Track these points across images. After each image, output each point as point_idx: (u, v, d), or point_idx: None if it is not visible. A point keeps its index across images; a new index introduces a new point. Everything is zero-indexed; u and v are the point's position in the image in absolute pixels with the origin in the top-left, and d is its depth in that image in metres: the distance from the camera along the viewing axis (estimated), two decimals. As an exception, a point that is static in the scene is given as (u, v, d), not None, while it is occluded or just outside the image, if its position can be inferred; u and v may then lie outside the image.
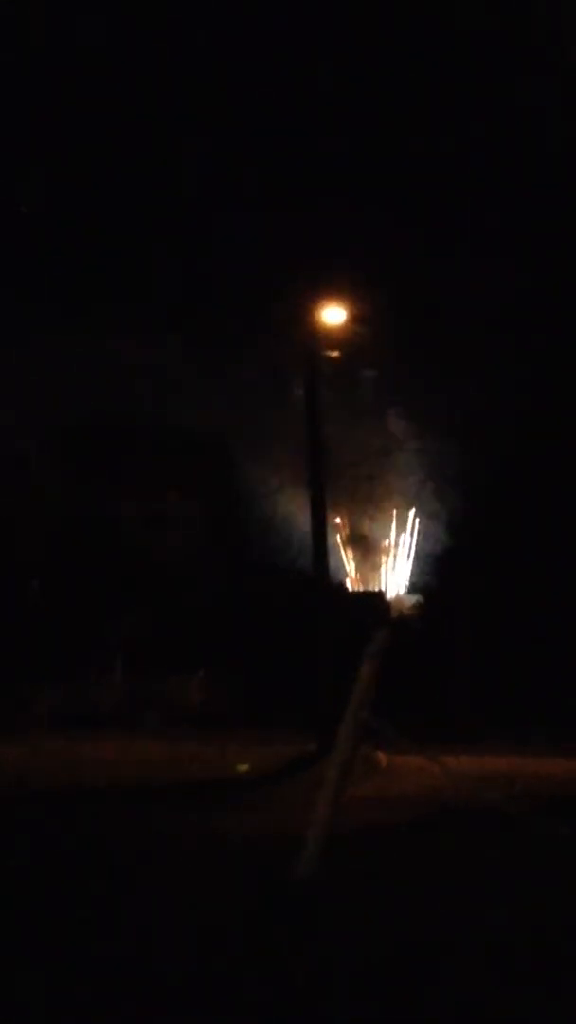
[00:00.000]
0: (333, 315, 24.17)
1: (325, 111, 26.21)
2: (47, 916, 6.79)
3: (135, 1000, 5.19)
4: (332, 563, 28.33)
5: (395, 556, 33.02)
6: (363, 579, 33.19)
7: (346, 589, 32.32)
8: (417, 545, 32.71)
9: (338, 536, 31.88)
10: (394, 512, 32.88)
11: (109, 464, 30.41)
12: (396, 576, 33.06)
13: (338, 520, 31.41)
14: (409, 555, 32.93)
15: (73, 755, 18.03)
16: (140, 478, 30.63)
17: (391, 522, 32.98)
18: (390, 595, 32.62)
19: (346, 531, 32.50)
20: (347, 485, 30.33)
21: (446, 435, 30.75)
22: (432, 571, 32.08)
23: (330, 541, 26.61)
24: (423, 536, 32.61)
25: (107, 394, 29.52)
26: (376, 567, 33.22)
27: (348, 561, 33.05)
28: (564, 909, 7.10)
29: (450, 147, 26.21)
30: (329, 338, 24.79)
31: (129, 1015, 5.03)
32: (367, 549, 33.12)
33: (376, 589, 32.90)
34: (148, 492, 30.72)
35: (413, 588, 32.67)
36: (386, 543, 32.95)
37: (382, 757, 15.75)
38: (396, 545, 32.95)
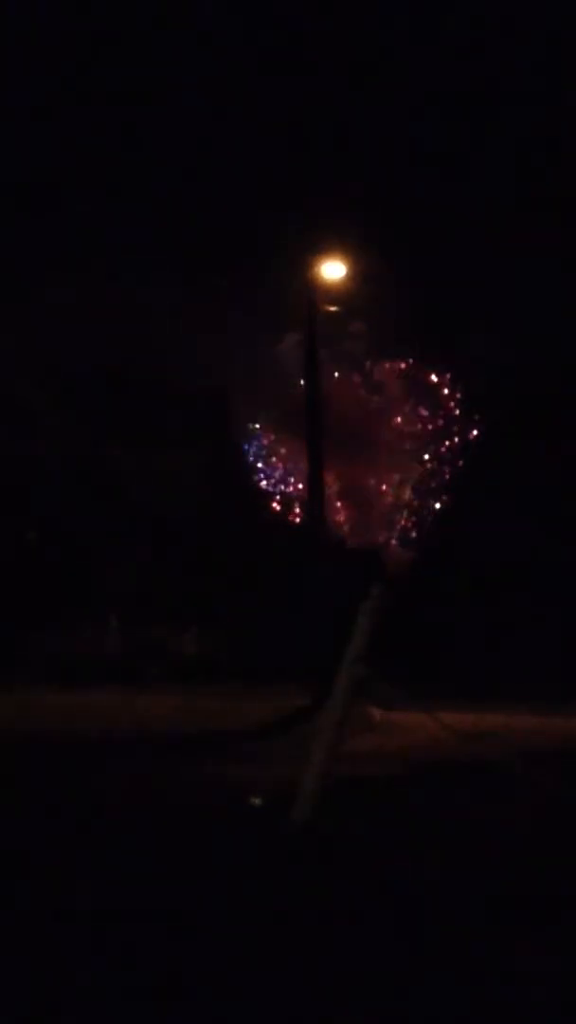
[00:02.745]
0: (333, 270, 24.09)
1: (329, 61, 26.05)
2: (51, 859, 6.85)
3: (135, 931, 5.28)
4: (330, 518, 28.39)
5: (392, 509, 33.05)
6: (359, 532, 33.22)
7: (344, 543, 32.33)
8: (414, 499, 32.73)
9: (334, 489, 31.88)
10: (391, 467, 32.91)
11: (110, 415, 30.38)
12: (393, 529, 33.08)
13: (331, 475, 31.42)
14: (406, 509, 32.95)
15: (68, 705, 18.10)
16: (140, 430, 30.59)
17: (388, 477, 33.01)
18: (387, 549, 32.65)
19: (336, 486, 32.48)
20: (344, 440, 30.31)
21: (442, 390, 30.77)
22: (429, 525, 32.13)
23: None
24: (420, 491, 32.66)
25: (108, 346, 29.51)
26: (372, 521, 33.24)
27: (342, 510, 33.05)
28: (556, 859, 7.16)
29: (455, 101, 26.09)
30: (328, 293, 24.71)
31: (131, 944, 5.15)
32: (363, 503, 33.14)
33: (373, 543, 32.93)
34: (148, 444, 30.68)
35: (410, 542, 32.70)
36: (384, 489, 32.94)
37: (376, 712, 15.80)
38: (394, 498, 32.98)
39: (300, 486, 30.26)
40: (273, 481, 33.22)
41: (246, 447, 33.02)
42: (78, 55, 26.22)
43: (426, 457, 32.58)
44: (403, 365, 32.50)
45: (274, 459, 33.09)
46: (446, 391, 32.38)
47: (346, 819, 8.01)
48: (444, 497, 31.86)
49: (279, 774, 9.70)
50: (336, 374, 31.46)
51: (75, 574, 28.99)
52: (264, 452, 33.21)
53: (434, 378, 32.35)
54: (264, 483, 33.18)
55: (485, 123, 26.58)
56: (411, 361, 32.36)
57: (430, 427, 32.51)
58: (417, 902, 6.12)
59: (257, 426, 32.92)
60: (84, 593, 28.66)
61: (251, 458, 33.21)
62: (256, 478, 33.18)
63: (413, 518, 32.79)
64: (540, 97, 25.98)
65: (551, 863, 7.11)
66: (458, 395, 32.14)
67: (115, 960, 5.09)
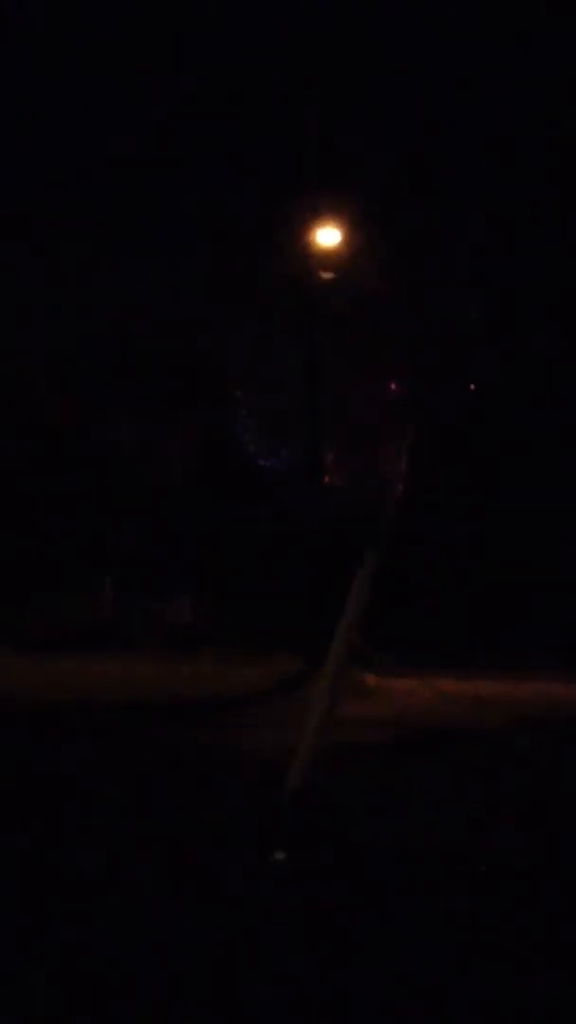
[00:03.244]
0: (328, 236, 23.98)
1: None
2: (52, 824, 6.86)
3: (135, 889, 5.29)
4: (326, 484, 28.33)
5: (389, 479, 32.98)
6: (356, 500, 33.14)
7: (340, 510, 32.24)
8: (410, 465, 32.65)
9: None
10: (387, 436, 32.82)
11: (105, 381, 30.31)
12: (390, 497, 33.00)
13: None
14: (402, 477, 32.87)
15: (63, 671, 18.12)
16: (135, 395, 30.53)
17: (383, 449, 32.91)
18: (383, 516, 32.58)
19: (331, 457, 32.37)
20: (341, 416, 30.22)
21: (439, 357, 30.66)
22: (426, 493, 32.07)
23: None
24: (417, 457, 32.57)
25: (103, 312, 29.43)
26: (369, 489, 33.16)
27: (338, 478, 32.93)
28: (548, 825, 7.16)
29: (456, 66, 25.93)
30: (324, 259, 24.57)
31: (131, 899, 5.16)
32: (360, 472, 33.06)
33: (368, 510, 32.85)
34: (143, 410, 30.62)
35: (407, 509, 32.59)
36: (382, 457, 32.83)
37: (371, 679, 15.80)
38: (391, 466, 32.90)
39: None
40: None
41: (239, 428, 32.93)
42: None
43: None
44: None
45: None
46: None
47: (340, 785, 8.01)
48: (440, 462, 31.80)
49: (273, 740, 9.69)
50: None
51: (69, 542, 28.96)
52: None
53: None
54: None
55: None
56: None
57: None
58: (410, 868, 6.12)
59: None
60: (78, 561, 28.63)
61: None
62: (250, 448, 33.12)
63: (410, 486, 32.73)
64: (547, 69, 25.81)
65: (544, 829, 7.11)
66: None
67: (100, 927, 5.07)
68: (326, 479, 27.91)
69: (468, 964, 4.70)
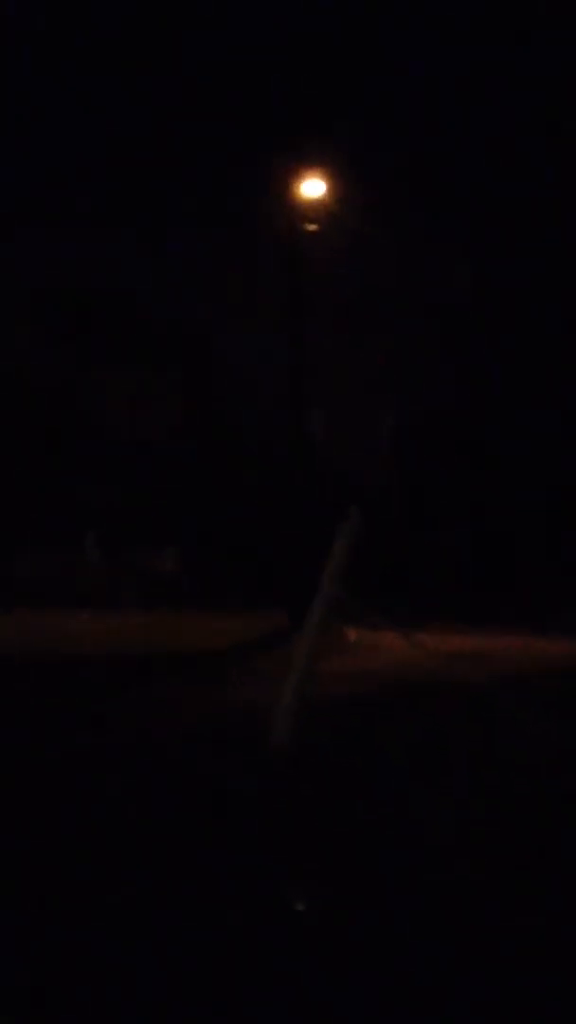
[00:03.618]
0: (313, 187, 23.80)
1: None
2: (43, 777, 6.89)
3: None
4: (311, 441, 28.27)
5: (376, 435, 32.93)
6: (341, 455, 33.11)
7: (325, 465, 32.21)
8: (396, 422, 32.61)
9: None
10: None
11: (88, 335, 30.18)
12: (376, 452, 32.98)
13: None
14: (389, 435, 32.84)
15: (47, 627, 18.13)
16: (118, 350, 30.41)
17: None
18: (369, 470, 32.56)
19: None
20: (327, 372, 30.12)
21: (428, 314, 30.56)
22: (411, 448, 32.07)
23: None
24: (402, 415, 32.54)
25: (86, 268, 29.28)
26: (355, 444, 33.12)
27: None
28: (529, 779, 7.22)
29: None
30: (309, 210, 24.39)
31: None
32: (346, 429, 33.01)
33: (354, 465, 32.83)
34: (126, 365, 30.51)
35: (392, 463, 32.58)
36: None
37: (353, 633, 15.86)
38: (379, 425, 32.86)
39: None
40: None
41: None
42: None
43: None
44: None
45: None
46: None
47: (322, 740, 8.05)
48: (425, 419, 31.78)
49: (256, 693, 9.73)
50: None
51: (51, 496, 28.92)
52: None
53: None
54: None
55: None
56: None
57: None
58: (390, 823, 6.17)
59: None
60: (60, 515, 28.60)
61: None
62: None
63: (396, 442, 32.71)
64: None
65: (523, 783, 7.16)
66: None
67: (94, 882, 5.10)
68: (312, 436, 27.88)
69: (451, 913, 4.75)
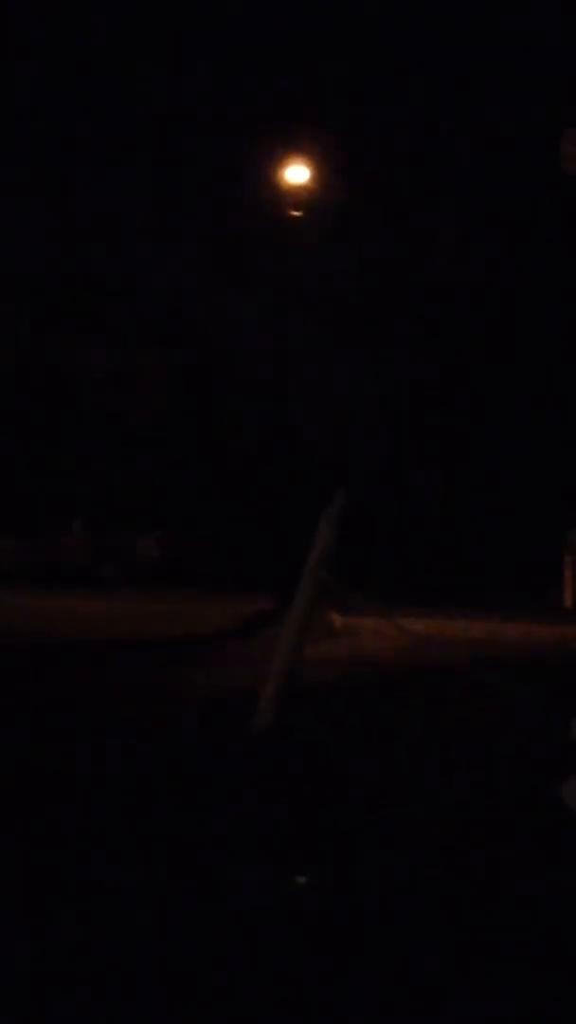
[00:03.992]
0: (297, 173, 23.79)
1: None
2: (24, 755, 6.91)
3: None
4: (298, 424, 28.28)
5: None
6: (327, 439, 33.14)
7: (311, 449, 32.26)
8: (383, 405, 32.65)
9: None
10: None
11: (75, 316, 30.11)
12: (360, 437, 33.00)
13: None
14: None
15: (33, 610, 18.13)
16: (106, 331, 30.34)
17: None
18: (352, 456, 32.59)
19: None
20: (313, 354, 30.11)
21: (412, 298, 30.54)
22: (398, 433, 32.12)
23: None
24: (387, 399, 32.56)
25: (76, 247, 29.23)
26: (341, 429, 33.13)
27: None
28: (513, 762, 7.27)
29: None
30: (293, 196, 24.39)
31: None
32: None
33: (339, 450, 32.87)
34: (114, 346, 30.46)
35: (376, 450, 32.62)
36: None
37: (338, 618, 15.92)
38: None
39: None
40: None
41: None
42: None
43: None
44: None
45: None
46: None
47: (307, 724, 8.09)
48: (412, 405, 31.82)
49: (241, 678, 9.76)
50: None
51: (37, 479, 28.90)
52: None
53: None
54: None
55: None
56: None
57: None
58: (373, 807, 6.20)
59: None
60: (46, 498, 28.59)
61: None
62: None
63: (383, 433, 32.76)
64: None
65: (504, 767, 7.22)
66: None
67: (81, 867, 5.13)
68: (298, 419, 27.91)
69: (437, 894, 4.79)
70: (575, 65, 24.33)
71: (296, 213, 24.60)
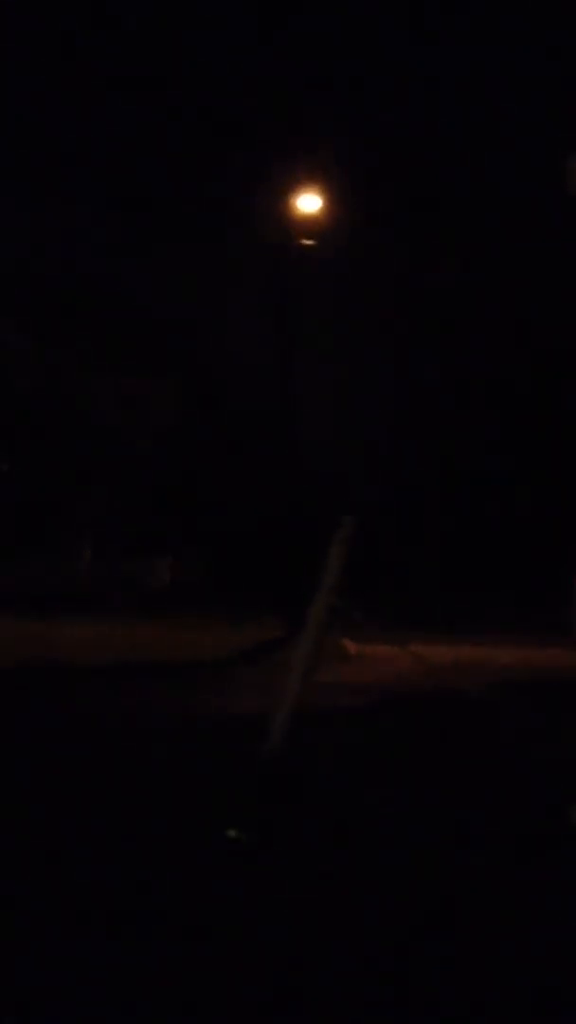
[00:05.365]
0: (308, 202, 23.83)
1: None
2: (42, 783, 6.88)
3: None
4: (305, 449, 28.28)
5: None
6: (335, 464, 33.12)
7: (320, 474, 32.23)
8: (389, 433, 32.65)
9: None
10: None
11: (81, 341, 30.17)
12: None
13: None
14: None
15: (43, 635, 18.09)
16: (112, 356, 30.40)
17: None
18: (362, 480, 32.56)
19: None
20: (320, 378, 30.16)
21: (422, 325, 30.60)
22: (404, 459, 32.11)
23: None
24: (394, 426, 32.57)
25: (81, 272, 29.33)
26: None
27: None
28: (524, 790, 7.22)
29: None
30: (304, 225, 24.46)
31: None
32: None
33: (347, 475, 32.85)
34: (120, 370, 30.51)
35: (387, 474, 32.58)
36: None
37: (351, 644, 15.86)
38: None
39: None
40: None
41: None
42: None
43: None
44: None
45: None
46: None
47: (317, 751, 8.04)
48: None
49: (252, 704, 9.72)
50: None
51: (47, 504, 28.92)
52: None
53: None
54: None
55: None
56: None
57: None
58: (384, 836, 6.16)
59: None
60: (56, 523, 28.60)
61: None
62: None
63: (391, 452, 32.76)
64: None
65: (518, 794, 7.16)
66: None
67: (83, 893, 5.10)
68: (304, 443, 27.92)
69: (447, 927, 4.75)
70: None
71: (308, 242, 24.66)
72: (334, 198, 24.28)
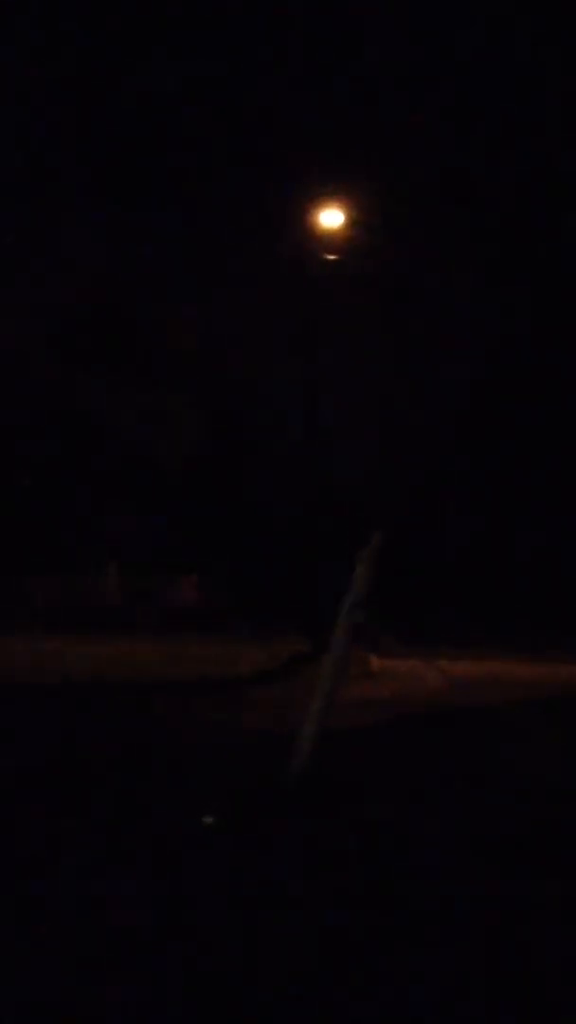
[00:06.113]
0: (331, 217, 23.87)
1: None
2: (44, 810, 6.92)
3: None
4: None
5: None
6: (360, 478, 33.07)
7: (344, 487, 32.15)
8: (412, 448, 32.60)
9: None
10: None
11: (107, 359, 30.28)
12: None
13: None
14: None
15: (71, 653, 18.14)
16: (138, 374, 30.49)
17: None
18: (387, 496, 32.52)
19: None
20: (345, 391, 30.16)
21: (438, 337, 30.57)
22: (425, 475, 32.07)
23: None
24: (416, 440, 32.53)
25: (101, 289, 29.45)
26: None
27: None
28: (549, 806, 7.23)
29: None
30: (327, 240, 24.49)
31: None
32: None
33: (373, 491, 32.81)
34: (145, 388, 30.60)
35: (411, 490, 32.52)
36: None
37: (375, 660, 15.88)
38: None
39: None
40: None
41: None
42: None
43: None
44: None
45: None
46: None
47: (343, 767, 8.07)
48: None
49: (278, 721, 9.76)
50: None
51: (72, 521, 29.00)
52: None
53: None
54: None
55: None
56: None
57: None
58: (410, 851, 6.18)
59: None
60: (81, 540, 28.68)
61: None
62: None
63: (416, 473, 32.71)
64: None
65: (543, 810, 7.17)
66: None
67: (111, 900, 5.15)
68: (330, 460, 27.91)
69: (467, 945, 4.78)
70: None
71: (331, 256, 24.68)
72: (357, 212, 24.32)
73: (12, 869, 5.70)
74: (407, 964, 4.50)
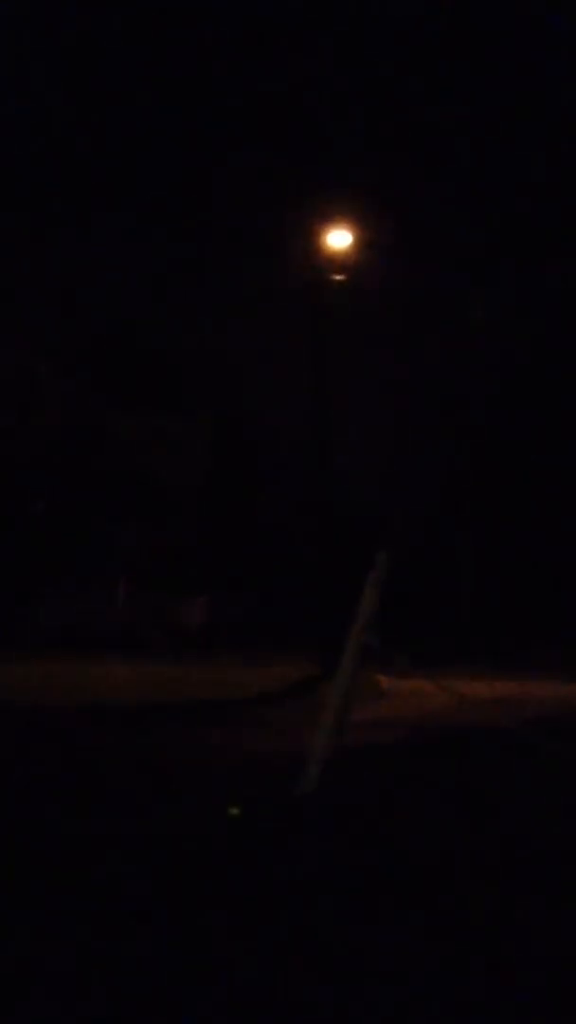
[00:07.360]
0: (339, 238, 23.95)
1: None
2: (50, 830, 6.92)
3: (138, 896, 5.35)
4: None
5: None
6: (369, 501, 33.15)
7: (353, 510, 32.24)
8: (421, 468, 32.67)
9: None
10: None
11: (114, 381, 30.41)
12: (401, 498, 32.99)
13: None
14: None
15: (80, 674, 18.17)
16: (145, 396, 30.60)
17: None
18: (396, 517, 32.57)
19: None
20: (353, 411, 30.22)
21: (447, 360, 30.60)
22: (436, 495, 32.11)
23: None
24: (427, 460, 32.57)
25: (113, 313, 29.56)
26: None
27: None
28: (561, 826, 7.20)
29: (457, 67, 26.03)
30: (335, 261, 24.56)
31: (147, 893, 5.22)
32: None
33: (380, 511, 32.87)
34: (153, 410, 30.69)
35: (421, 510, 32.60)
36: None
37: (384, 680, 15.87)
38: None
39: None
40: None
41: None
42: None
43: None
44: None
45: None
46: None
47: (352, 788, 8.06)
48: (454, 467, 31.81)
49: (287, 742, 9.74)
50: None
51: (83, 543, 29.05)
52: None
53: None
54: None
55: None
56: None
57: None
58: (419, 871, 6.17)
59: None
60: (92, 562, 28.73)
61: None
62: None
63: (423, 492, 32.76)
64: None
65: (555, 830, 7.15)
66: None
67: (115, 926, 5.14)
68: (337, 482, 27.94)
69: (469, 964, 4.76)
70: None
71: (339, 277, 24.74)
72: (365, 233, 24.39)
73: (33, 874, 5.69)
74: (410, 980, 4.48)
